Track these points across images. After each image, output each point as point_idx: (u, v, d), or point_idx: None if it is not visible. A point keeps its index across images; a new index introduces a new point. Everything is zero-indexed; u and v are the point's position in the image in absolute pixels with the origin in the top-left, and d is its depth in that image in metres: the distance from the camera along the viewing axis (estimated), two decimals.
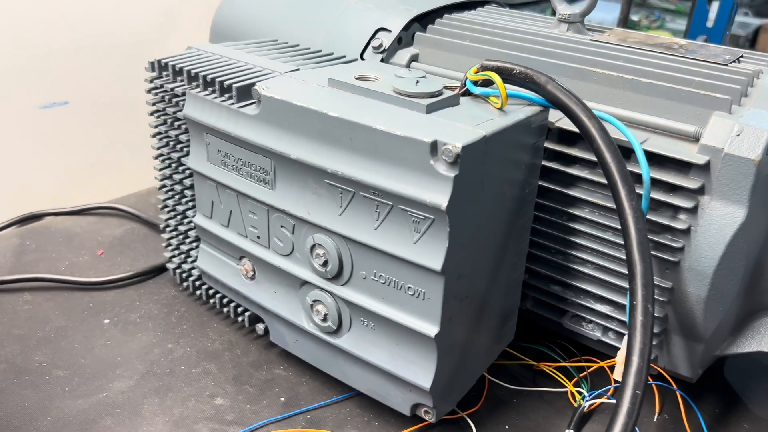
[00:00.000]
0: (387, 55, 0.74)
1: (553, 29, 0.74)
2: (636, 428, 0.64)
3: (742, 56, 0.67)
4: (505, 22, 0.78)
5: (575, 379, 0.69)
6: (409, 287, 0.55)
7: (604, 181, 0.61)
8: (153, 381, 0.66)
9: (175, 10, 1.06)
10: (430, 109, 0.54)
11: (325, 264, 0.59)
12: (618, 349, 0.67)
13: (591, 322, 0.68)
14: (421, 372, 0.57)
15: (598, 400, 0.66)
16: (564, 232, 0.65)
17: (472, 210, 0.53)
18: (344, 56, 0.73)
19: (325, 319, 0.61)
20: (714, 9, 1.22)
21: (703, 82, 0.60)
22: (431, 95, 0.55)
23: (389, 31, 0.75)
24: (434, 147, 0.49)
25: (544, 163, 0.63)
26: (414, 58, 0.74)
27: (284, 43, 0.75)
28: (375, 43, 0.74)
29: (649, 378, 0.67)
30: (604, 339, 0.67)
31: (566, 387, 0.68)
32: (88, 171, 1.05)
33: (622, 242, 0.62)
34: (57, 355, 0.68)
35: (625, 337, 0.59)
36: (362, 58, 0.75)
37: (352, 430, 0.62)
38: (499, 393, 0.68)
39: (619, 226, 0.61)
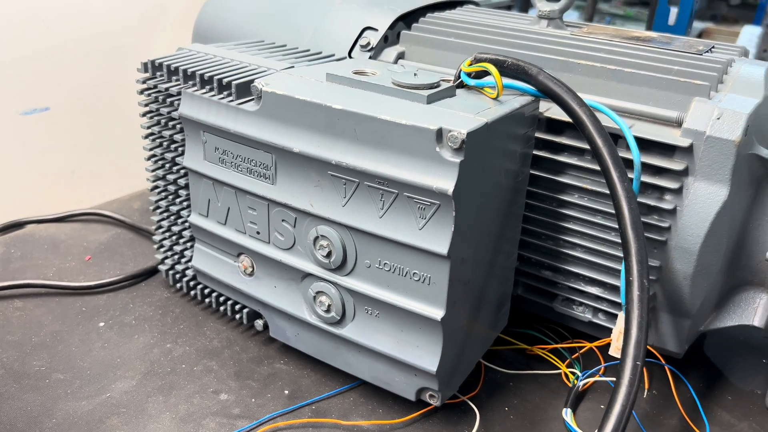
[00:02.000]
0: (374, 53, 0.76)
1: (534, 25, 0.77)
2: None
3: (713, 47, 0.71)
4: (487, 19, 0.80)
5: (568, 360, 0.71)
6: (414, 273, 0.56)
7: (591, 166, 0.64)
8: (155, 380, 0.66)
9: (154, 14, 1.06)
10: (431, 99, 0.56)
11: (328, 255, 0.60)
12: (609, 329, 0.70)
13: (582, 304, 0.71)
14: (427, 356, 0.59)
15: (591, 379, 0.69)
16: (554, 217, 0.68)
17: (475, 196, 0.55)
18: (333, 55, 0.74)
19: (328, 310, 0.62)
20: (674, 12, 1.28)
21: (682, 70, 0.63)
22: (430, 86, 0.57)
23: (376, 30, 0.77)
24: (440, 134, 0.51)
25: (534, 151, 0.65)
26: (401, 56, 0.76)
27: (272, 44, 0.76)
28: (363, 41, 0.76)
29: None
30: (595, 320, 0.70)
31: (560, 368, 0.70)
32: (70, 178, 1.04)
33: (611, 225, 0.65)
34: (55, 359, 0.67)
35: (619, 315, 0.62)
36: (350, 57, 0.76)
37: (358, 418, 0.63)
38: (495, 377, 0.70)
39: (607, 210, 0.64)
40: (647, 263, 0.54)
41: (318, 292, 0.63)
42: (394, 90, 0.57)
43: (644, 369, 0.70)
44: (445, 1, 0.86)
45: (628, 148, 0.61)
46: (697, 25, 3.25)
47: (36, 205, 0.94)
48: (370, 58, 0.76)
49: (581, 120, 0.57)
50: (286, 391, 0.66)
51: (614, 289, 0.67)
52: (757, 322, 0.66)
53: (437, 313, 0.56)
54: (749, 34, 2.50)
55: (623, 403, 0.51)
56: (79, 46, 0.98)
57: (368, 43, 0.75)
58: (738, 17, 3.59)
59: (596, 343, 0.72)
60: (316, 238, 0.61)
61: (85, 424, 0.60)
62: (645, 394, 0.69)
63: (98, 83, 1.01)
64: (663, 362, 0.69)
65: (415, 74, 0.59)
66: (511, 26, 0.76)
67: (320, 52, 0.74)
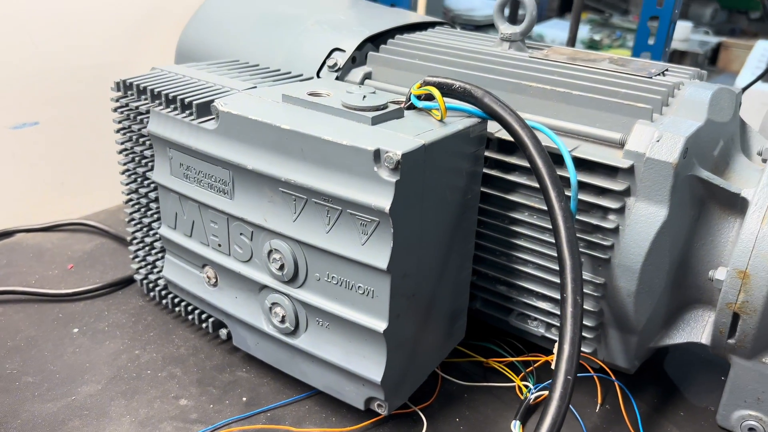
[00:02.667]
0: (342, 73, 0.79)
1: (496, 47, 0.79)
2: (576, 413, 0.69)
3: (667, 70, 0.73)
4: (452, 41, 0.83)
5: (522, 373, 0.73)
6: (359, 286, 0.59)
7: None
8: (120, 385, 0.69)
9: (141, 32, 1.11)
10: (375, 121, 0.59)
11: (281, 268, 0.63)
12: None
13: (535, 319, 0.73)
14: (373, 366, 0.61)
15: (544, 393, 0.71)
16: (507, 234, 0.70)
17: (415, 213, 0.57)
18: (301, 74, 0.77)
19: (283, 321, 0.65)
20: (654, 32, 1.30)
21: (627, 93, 0.65)
22: (376, 108, 0.60)
23: (343, 51, 0.79)
24: (377, 155, 0.54)
25: (486, 170, 0.68)
26: (367, 76, 0.79)
27: (244, 64, 0.80)
28: (330, 62, 0.79)
29: (591, 370, 0.72)
30: (548, 335, 0.72)
31: (514, 381, 0.72)
32: (59, 189, 1.08)
33: None
34: (27, 363, 0.71)
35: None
36: (318, 77, 0.79)
37: (311, 425, 0.65)
38: (451, 389, 0.72)
39: None
40: (581, 280, 0.56)
41: (273, 303, 0.65)
42: (342, 111, 0.60)
43: (598, 384, 0.72)
44: (417, 22, 0.89)
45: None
46: (713, 39, 3.24)
47: (26, 215, 0.98)
48: (336, 78, 0.79)
49: (522, 140, 0.59)
50: (245, 398, 0.68)
51: None
52: (704, 339, 0.67)
53: (380, 325, 0.59)
54: (762, 49, 2.50)
55: (554, 417, 0.53)
56: (68, 63, 1.03)
57: (335, 64, 0.78)
58: (757, 31, 3.57)
59: (551, 357, 0.74)
60: (270, 252, 0.63)
61: (48, 426, 0.63)
62: (598, 408, 0.70)
63: (86, 98, 1.05)
64: (613, 378, 0.71)
65: (364, 96, 0.61)
66: (474, 48, 0.79)
67: (289, 72, 0.77)
